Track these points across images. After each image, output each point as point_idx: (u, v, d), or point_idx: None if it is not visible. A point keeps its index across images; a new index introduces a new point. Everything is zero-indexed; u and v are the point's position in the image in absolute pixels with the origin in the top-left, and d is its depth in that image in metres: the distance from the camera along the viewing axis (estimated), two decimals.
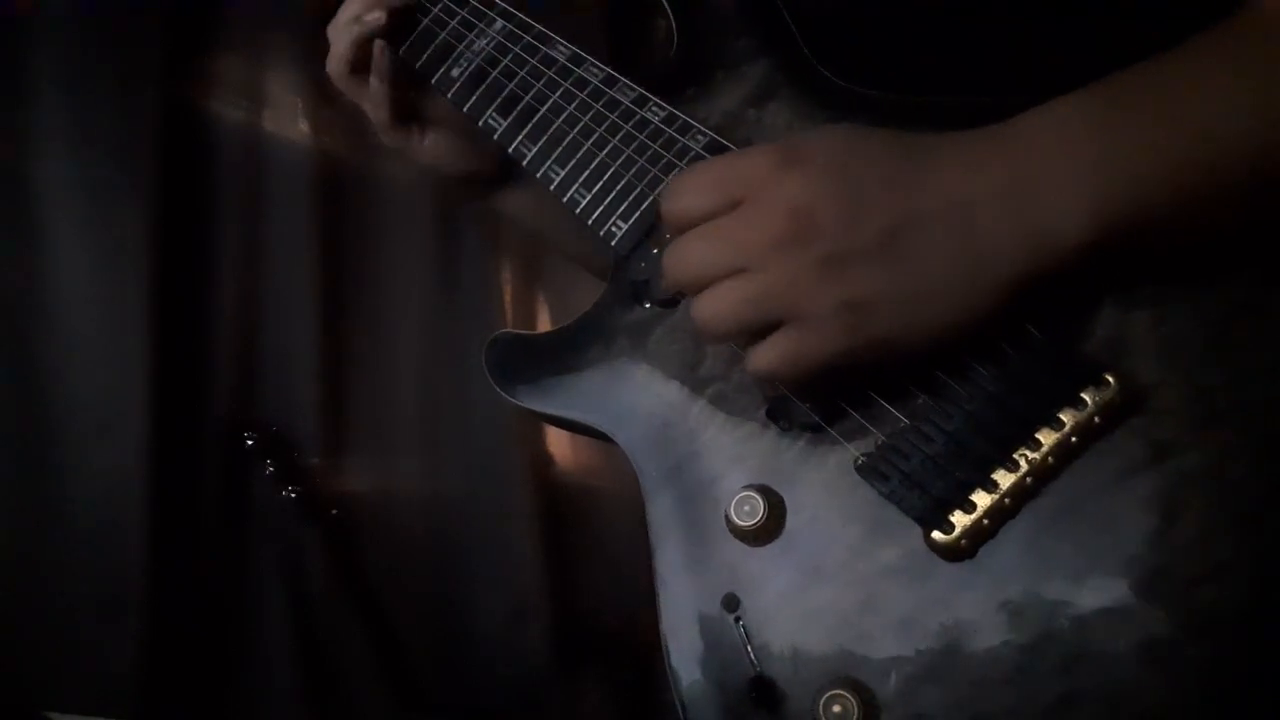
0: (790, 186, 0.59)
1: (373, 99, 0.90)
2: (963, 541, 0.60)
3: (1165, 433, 0.58)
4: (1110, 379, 0.59)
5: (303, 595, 1.91)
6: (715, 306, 0.60)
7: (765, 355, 0.61)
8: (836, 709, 0.59)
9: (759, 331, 0.61)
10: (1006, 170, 0.58)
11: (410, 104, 0.91)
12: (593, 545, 2.12)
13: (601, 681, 2.02)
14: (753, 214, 0.59)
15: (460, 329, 2.06)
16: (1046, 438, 0.59)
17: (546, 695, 2.01)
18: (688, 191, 0.63)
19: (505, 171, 0.97)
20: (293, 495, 1.84)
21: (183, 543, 1.79)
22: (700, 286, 0.61)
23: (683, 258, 0.62)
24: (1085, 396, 0.59)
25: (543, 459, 2.12)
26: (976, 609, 0.59)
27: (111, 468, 1.72)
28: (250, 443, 1.84)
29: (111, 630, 1.68)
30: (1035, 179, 0.57)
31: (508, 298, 2.13)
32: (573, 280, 1.43)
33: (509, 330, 0.83)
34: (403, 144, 0.93)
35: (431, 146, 0.93)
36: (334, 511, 1.87)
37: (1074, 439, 0.59)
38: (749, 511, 0.65)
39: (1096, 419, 0.59)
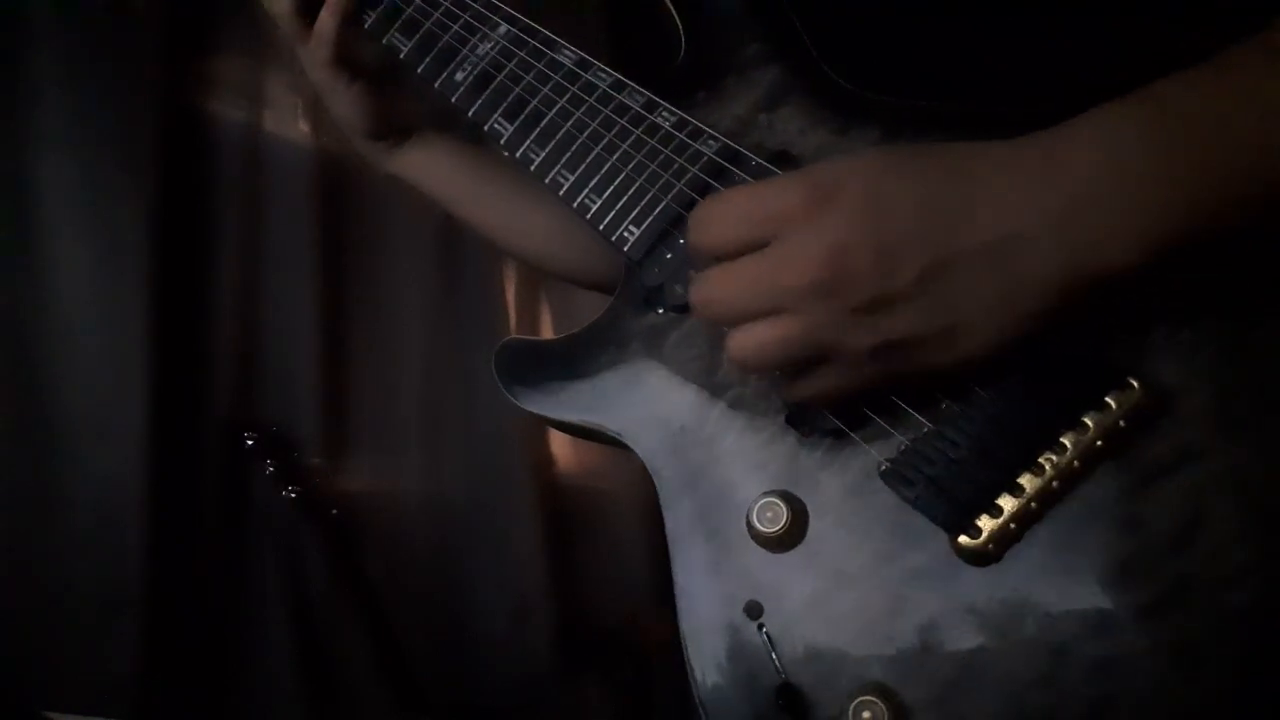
0: (823, 229, 0.57)
1: (319, 34, 0.91)
2: (989, 546, 0.60)
3: (1189, 435, 0.58)
4: (1133, 382, 0.58)
5: (303, 595, 1.91)
6: (752, 345, 0.60)
7: (803, 390, 0.62)
8: (866, 715, 0.59)
9: (795, 367, 0.61)
10: (1056, 197, 0.56)
11: (350, 49, 0.93)
12: (594, 545, 2.12)
13: (602, 681, 2.03)
14: (786, 257, 0.58)
15: (462, 327, 2.06)
16: (1071, 441, 0.59)
17: (547, 695, 2.01)
18: (716, 224, 0.61)
19: (407, 139, 1.02)
20: (293, 495, 1.83)
21: (183, 543, 1.79)
22: (734, 324, 0.60)
23: (716, 296, 0.61)
24: (1109, 400, 0.59)
25: (544, 459, 2.12)
26: (1004, 613, 0.59)
27: (111, 468, 1.71)
28: (250, 443, 1.84)
29: (111, 630, 1.68)
30: (1085, 208, 0.56)
31: (510, 295, 2.12)
32: None
33: (518, 336, 0.81)
34: (328, 85, 0.94)
35: (355, 96, 0.95)
36: (334, 511, 1.87)
37: (1098, 442, 0.59)
38: (771, 518, 0.64)
39: (1120, 422, 0.58)
